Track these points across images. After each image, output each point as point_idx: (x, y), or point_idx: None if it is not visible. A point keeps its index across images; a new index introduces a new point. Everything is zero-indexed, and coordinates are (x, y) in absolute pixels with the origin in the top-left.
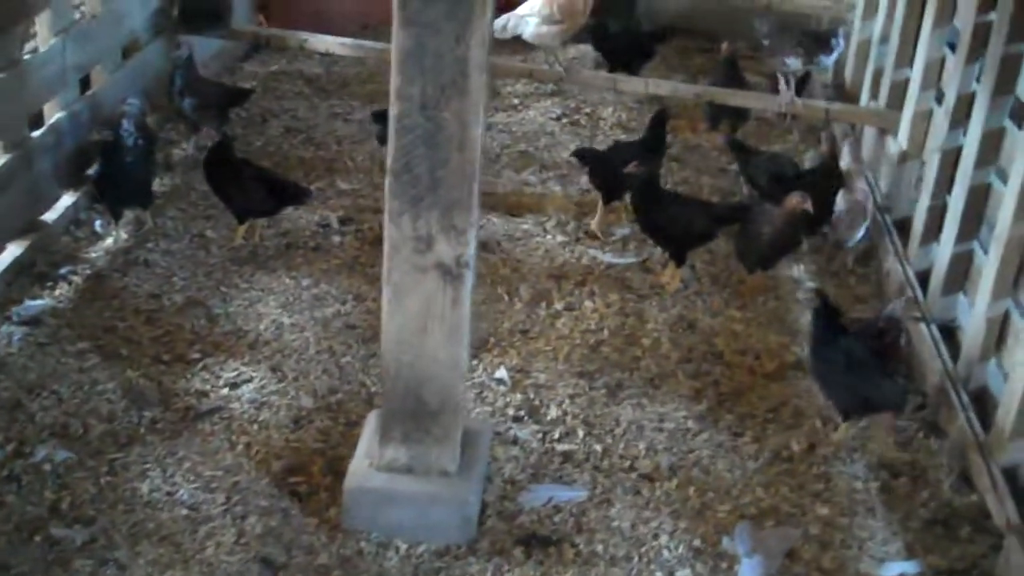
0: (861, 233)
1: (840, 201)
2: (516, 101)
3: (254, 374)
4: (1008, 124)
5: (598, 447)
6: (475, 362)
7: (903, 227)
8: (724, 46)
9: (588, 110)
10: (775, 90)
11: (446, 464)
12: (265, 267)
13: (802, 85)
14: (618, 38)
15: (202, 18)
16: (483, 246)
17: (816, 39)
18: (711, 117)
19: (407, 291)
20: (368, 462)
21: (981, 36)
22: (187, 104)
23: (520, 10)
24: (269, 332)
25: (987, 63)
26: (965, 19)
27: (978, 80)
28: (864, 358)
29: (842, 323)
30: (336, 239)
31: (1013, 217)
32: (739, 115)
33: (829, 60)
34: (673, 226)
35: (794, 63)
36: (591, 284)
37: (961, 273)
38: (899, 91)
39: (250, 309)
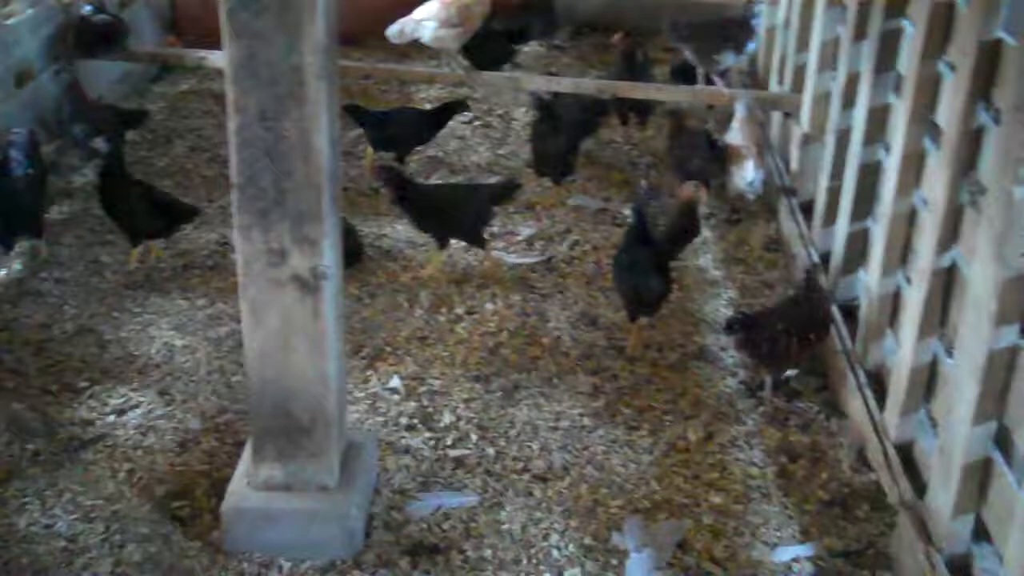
0: (751, 176)
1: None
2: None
3: (142, 399)
4: (893, 100)
5: (491, 450)
6: (369, 373)
7: (809, 210)
8: (616, 38)
9: (500, 112)
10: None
11: (324, 479)
12: (160, 290)
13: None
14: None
15: (98, 42)
16: (385, 254)
17: (740, 26)
18: (618, 112)
19: (265, 306)
20: (246, 481)
21: (865, 13)
22: (77, 131)
23: (416, 14)
24: (160, 355)
25: (868, 40)
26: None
27: None
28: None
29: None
30: (234, 257)
31: (895, 191)
32: (643, 108)
33: (752, 45)
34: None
35: (730, 58)
36: (493, 286)
37: (859, 252)
38: (801, 74)
39: (142, 333)
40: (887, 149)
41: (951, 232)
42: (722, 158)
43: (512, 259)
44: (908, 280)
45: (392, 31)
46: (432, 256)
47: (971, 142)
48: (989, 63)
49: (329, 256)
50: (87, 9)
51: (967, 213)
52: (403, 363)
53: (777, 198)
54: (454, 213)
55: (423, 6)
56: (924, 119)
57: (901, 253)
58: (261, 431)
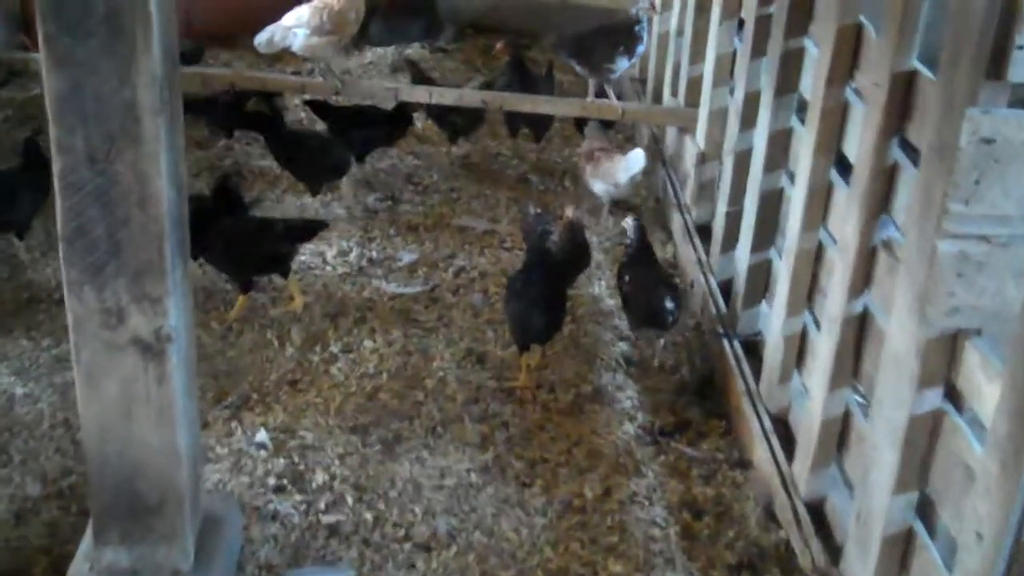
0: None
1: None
2: (303, 115)
3: None
4: (795, 124)
5: (369, 515)
6: (233, 424)
7: (707, 233)
8: (499, 46)
9: None
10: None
11: (178, 563)
12: (0, 328)
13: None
14: None
15: None
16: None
17: (626, 32)
18: (510, 124)
19: (102, 372)
20: (88, 566)
21: (764, 30)
22: None
23: (286, 21)
24: None
25: (769, 58)
26: (748, 10)
27: None
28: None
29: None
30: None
31: (801, 226)
32: (537, 122)
33: (642, 48)
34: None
35: (622, 63)
36: (372, 320)
37: (761, 283)
38: (696, 88)
39: None
40: (791, 177)
41: (864, 276)
42: None
43: (392, 288)
44: (816, 323)
45: (260, 40)
46: (291, 284)
47: (885, 180)
48: (904, 96)
49: (175, 315)
50: None
51: (882, 256)
52: (272, 412)
53: (672, 217)
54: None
55: (293, 12)
56: (831, 150)
57: (808, 291)
58: (103, 511)
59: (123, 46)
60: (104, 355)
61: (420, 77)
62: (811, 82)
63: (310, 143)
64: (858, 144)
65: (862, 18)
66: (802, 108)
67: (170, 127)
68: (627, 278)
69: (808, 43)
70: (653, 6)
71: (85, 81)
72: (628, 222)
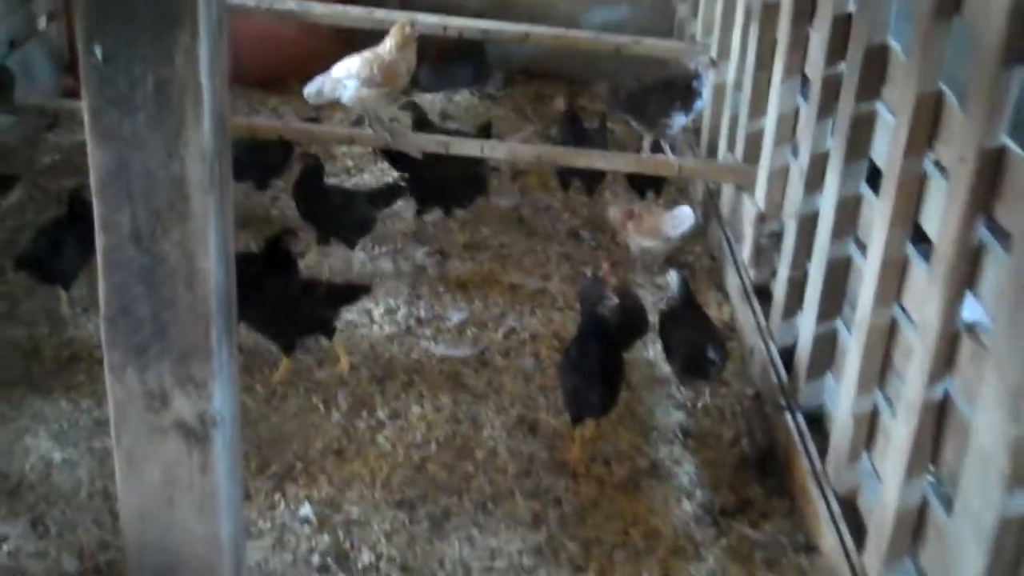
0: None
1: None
2: (350, 163)
3: (10, 531)
4: (865, 191)
5: None
6: (276, 496)
7: (765, 295)
8: (558, 101)
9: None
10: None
11: None
12: (40, 387)
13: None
14: None
15: None
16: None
17: (684, 87)
18: (561, 177)
19: (144, 458)
20: None
21: (832, 89)
22: None
23: (336, 72)
24: (35, 473)
25: (838, 121)
26: (815, 69)
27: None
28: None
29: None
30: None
31: (873, 301)
32: (591, 175)
33: (701, 104)
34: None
35: (680, 120)
36: (420, 384)
37: (827, 355)
38: (755, 144)
39: (16, 444)
40: (859, 245)
41: (945, 361)
42: None
43: (441, 350)
44: (889, 402)
45: (310, 91)
46: (336, 345)
47: (970, 261)
48: (992, 174)
49: (221, 398)
50: None
51: (965, 341)
52: (316, 484)
53: (728, 277)
54: None
55: (342, 63)
56: (907, 224)
57: (880, 368)
58: None
59: (172, 120)
60: (146, 439)
61: (423, 121)
62: (885, 150)
63: (335, 199)
64: (939, 220)
65: (942, 86)
66: (874, 174)
67: (219, 202)
68: (669, 327)
69: (881, 108)
70: (713, 62)
71: (132, 156)
72: (672, 274)
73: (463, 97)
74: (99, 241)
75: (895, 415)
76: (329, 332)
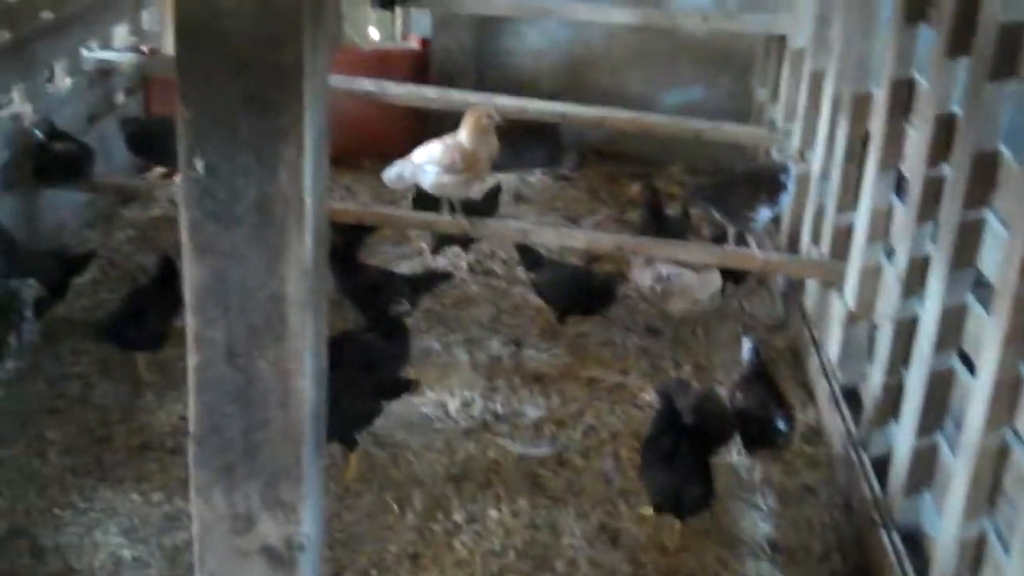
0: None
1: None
2: (423, 245)
3: None
4: (971, 301)
5: None
6: None
7: (855, 399)
8: (635, 189)
9: (504, 256)
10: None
11: None
12: (111, 477)
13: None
14: None
15: (60, 171)
16: (374, 439)
17: (769, 179)
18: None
19: None
20: None
21: (932, 191)
22: (12, 283)
23: (417, 157)
24: (104, 571)
25: (942, 227)
26: (914, 169)
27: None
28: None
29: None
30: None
31: (984, 422)
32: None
33: (787, 198)
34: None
35: (765, 214)
36: (498, 484)
37: (926, 471)
38: (843, 239)
39: (86, 538)
40: (963, 358)
41: None
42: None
43: (518, 449)
44: (999, 533)
45: (389, 175)
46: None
47: None
48: None
49: (309, 521)
50: (43, 133)
51: None
52: None
53: (813, 377)
54: None
55: (423, 148)
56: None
57: (989, 493)
58: None
59: (273, 236)
60: (231, 563)
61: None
62: (997, 263)
63: (370, 278)
64: None
65: None
66: (980, 282)
67: (315, 322)
68: (739, 395)
69: (991, 216)
70: (802, 156)
71: (230, 271)
72: (745, 343)
73: (536, 178)
74: (191, 358)
75: (1009, 551)
76: (364, 424)
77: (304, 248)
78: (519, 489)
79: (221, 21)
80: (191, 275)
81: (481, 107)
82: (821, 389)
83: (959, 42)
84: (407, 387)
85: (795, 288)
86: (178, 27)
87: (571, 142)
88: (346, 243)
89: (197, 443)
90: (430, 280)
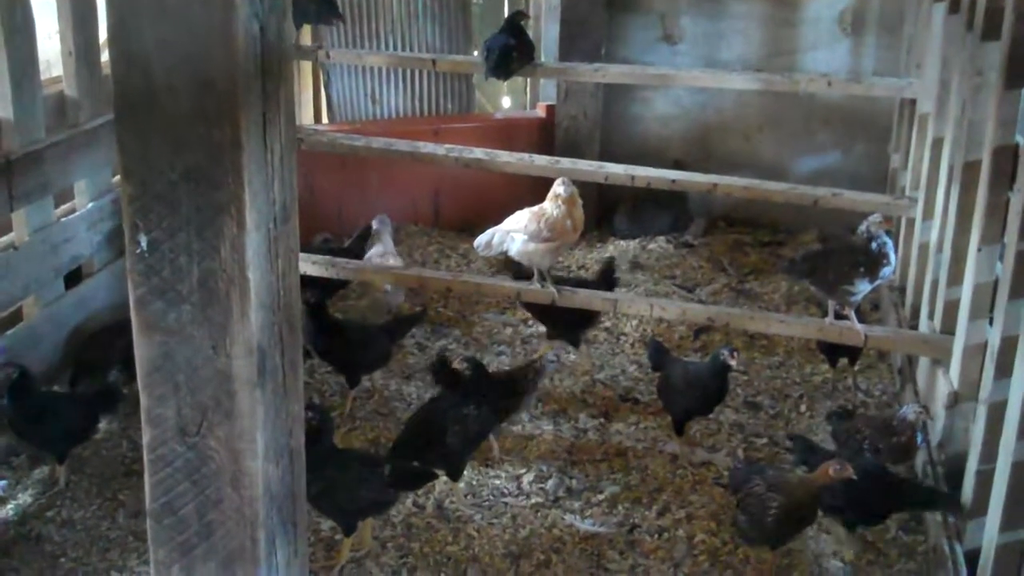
0: None
1: None
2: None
3: None
4: None
5: None
6: None
7: (959, 484)
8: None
9: (607, 324)
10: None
11: None
12: None
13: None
14: None
15: None
16: (436, 510)
17: (864, 251)
18: (822, 349)
19: None
20: None
21: None
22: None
23: (506, 225)
24: None
25: None
26: (1011, 239)
27: None
28: None
29: None
30: None
31: None
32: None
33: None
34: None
35: (862, 286)
36: (557, 564)
37: (1011, 571)
38: (954, 313)
39: None
40: None
41: None
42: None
43: (586, 526)
44: None
45: (480, 242)
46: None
47: None
48: None
49: None
50: None
51: None
52: None
53: (918, 460)
54: None
55: (514, 216)
56: None
57: None
58: None
59: (217, 313)
60: None
61: (520, 274)
62: None
63: (352, 335)
64: None
65: None
66: None
67: (274, 399)
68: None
69: None
70: (889, 219)
71: (177, 348)
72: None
73: (658, 245)
74: (144, 434)
75: None
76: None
77: (250, 326)
78: (581, 570)
79: (158, 97)
80: (140, 352)
81: (562, 177)
82: (925, 473)
83: None
84: (431, 478)
85: (911, 364)
86: (117, 102)
87: (700, 209)
88: (316, 301)
89: (154, 519)
90: (406, 322)
